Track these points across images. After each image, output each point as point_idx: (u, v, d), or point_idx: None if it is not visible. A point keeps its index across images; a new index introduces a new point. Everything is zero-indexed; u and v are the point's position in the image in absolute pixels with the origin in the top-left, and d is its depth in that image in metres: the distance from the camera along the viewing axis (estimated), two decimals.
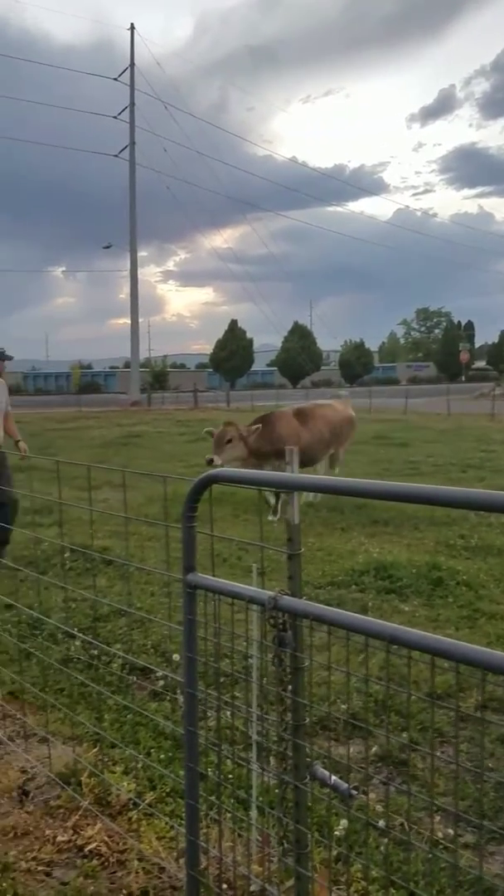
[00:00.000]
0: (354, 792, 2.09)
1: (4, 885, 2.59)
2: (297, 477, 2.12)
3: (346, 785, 2.07)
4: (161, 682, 4.15)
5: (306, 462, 9.10)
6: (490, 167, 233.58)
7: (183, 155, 71.82)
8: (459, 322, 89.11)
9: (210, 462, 8.15)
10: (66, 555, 6.51)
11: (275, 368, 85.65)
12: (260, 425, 8.86)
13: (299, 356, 75.07)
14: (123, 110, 46.80)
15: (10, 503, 7.06)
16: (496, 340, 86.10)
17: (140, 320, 48.67)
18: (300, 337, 77.97)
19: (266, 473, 2.41)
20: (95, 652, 4.42)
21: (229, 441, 8.38)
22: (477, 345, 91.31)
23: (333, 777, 2.10)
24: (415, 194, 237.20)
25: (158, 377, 72.61)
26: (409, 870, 2.51)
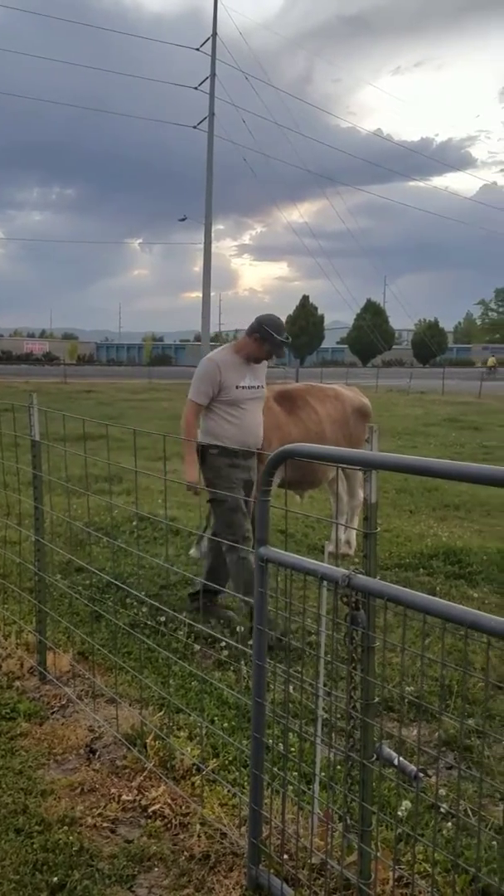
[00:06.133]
0: (421, 774, 2.07)
1: (71, 838, 2.68)
2: (377, 455, 2.07)
3: (412, 767, 2.06)
4: (225, 652, 4.20)
5: (300, 479, 5.61)
6: None
7: (263, 127, 71.21)
8: None
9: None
10: (134, 523, 6.63)
11: (345, 346, 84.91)
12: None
13: (371, 334, 74.06)
14: (204, 81, 46.49)
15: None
16: None
17: (212, 294, 48.69)
18: (373, 315, 76.88)
19: (346, 450, 2.36)
20: (163, 618, 4.50)
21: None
22: None
23: (399, 758, 2.09)
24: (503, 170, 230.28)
25: None
26: (471, 855, 2.48)
